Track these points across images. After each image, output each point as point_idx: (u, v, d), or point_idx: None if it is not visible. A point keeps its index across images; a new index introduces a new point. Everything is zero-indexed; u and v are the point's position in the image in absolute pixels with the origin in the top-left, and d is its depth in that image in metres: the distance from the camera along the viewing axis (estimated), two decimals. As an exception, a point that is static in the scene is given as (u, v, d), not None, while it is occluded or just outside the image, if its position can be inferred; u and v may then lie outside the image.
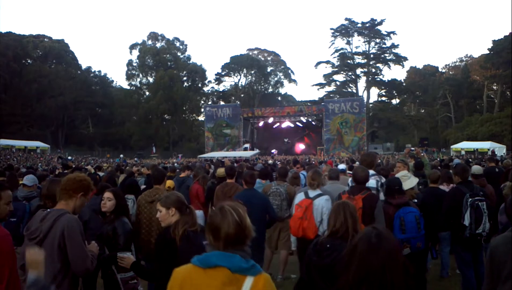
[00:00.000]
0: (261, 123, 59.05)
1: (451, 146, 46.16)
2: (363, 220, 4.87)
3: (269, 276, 2.19)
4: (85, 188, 3.47)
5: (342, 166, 10.12)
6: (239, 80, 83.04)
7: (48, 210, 3.41)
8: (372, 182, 5.81)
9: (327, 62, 75.80)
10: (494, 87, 64.98)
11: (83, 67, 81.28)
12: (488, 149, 37.83)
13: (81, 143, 71.29)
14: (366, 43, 73.46)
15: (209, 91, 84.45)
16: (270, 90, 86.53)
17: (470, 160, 20.71)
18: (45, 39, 75.67)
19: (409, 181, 5.97)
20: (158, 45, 79.21)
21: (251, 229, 2.23)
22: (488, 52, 60.72)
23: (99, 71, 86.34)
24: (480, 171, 7.40)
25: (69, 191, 3.43)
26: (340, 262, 3.23)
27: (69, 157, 37.11)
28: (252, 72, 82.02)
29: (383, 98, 76.86)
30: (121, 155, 49.85)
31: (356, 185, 5.37)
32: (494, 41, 59.14)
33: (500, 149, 38.22)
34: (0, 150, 46.65)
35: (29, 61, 72.33)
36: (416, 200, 5.94)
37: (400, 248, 2.22)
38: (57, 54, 74.31)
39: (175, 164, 23.89)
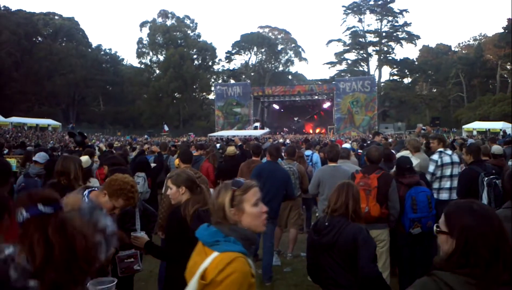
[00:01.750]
0: (271, 102, 58.89)
1: (463, 126, 45.73)
2: (377, 199, 4.89)
3: (232, 256, 1.99)
4: (110, 189, 3.35)
5: (346, 145, 10.14)
6: (249, 58, 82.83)
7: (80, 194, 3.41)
8: (446, 159, 6.68)
9: (339, 40, 75.39)
10: (508, 67, 63.92)
11: (94, 45, 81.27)
12: (500, 130, 37.43)
13: (92, 121, 71.61)
14: (378, 21, 72.67)
15: (220, 70, 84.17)
16: (281, 68, 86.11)
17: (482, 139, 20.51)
18: (56, 17, 75.56)
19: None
20: (168, 23, 78.79)
21: (227, 211, 2.13)
22: (502, 30, 59.65)
23: (110, 49, 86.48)
24: (500, 151, 7.32)
25: (103, 186, 3.43)
26: (341, 237, 3.27)
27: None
28: (263, 50, 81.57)
29: (395, 77, 76.17)
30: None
31: (370, 164, 5.36)
32: (509, 20, 58.06)
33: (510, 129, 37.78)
34: (12, 127, 47.09)
35: (39, 39, 72.29)
36: None
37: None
38: (67, 32, 74.23)
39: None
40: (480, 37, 73.82)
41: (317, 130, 55.31)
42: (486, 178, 5.35)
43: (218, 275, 1.95)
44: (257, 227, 2.17)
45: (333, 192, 3.55)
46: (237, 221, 2.12)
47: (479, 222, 1.82)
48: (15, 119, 50.49)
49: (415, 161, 5.96)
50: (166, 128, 53.99)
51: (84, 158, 6.48)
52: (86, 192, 3.39)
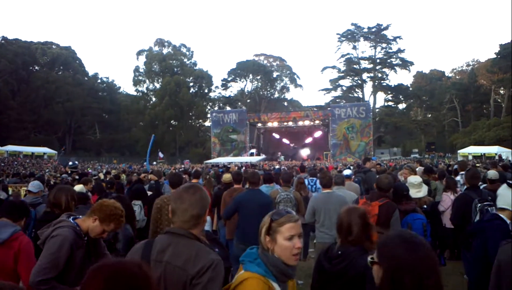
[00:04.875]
0: (267, 129, 59.00)
1: (458, 151, 45.81)
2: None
3: (246, 276, 2.20)
4: (102, 214, 3.39)
5: (347, 172, 10.05)
6: (245, 85, 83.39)
7: (65, 218, 3.43)
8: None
9: (333, 67, 76.02)
10: (501, 91, 64.40)
11: (90, 73, 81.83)
12: (496, 154, 37.54)
13: (88, 149, 71.47)
14: (372, 48, 73.53)
15: (216, 97, 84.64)
16: (276, 95, 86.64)
17: (478, 165, 20.53)
18: (53, 46, 76.14)
19: (424, 190, 6.01)
20: (165, 51, 79.53)
21: (262, 238, 2.34)
22: (495, 56, 60.35)
23: (107, 78, 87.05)
24: (496, 176, 7.32)
25: (92, 211, 3.46)
26: (353, 269, 3.11)
27: (75, 162, 36.91)
28: (258, 77, 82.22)
29: (390, 103, 76.68)
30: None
31: (378, 191, 5.35)
32: (501, 45, 58.79)
33: (506, 154, 37.90)
34: (7, 156, 46.89)
35: (36, 67, 72.68)
36: (426, 206, 5.92)
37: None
38: (64, 61, 74.72)
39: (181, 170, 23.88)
40: (473, 63, 74.62)
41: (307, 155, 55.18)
42: (479, 204, 5.36)
43: None
44: (287, 260, 2.27)
45: (337, 221, 3.30)
46: (269, 248, 2.29)
47: (406, 251, 1.78)
48: (10, 148, 50.30)
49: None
50: (161, 155, 53.88)
51: (78, 187, 6.46)
52: (70, 219, 3.41)
